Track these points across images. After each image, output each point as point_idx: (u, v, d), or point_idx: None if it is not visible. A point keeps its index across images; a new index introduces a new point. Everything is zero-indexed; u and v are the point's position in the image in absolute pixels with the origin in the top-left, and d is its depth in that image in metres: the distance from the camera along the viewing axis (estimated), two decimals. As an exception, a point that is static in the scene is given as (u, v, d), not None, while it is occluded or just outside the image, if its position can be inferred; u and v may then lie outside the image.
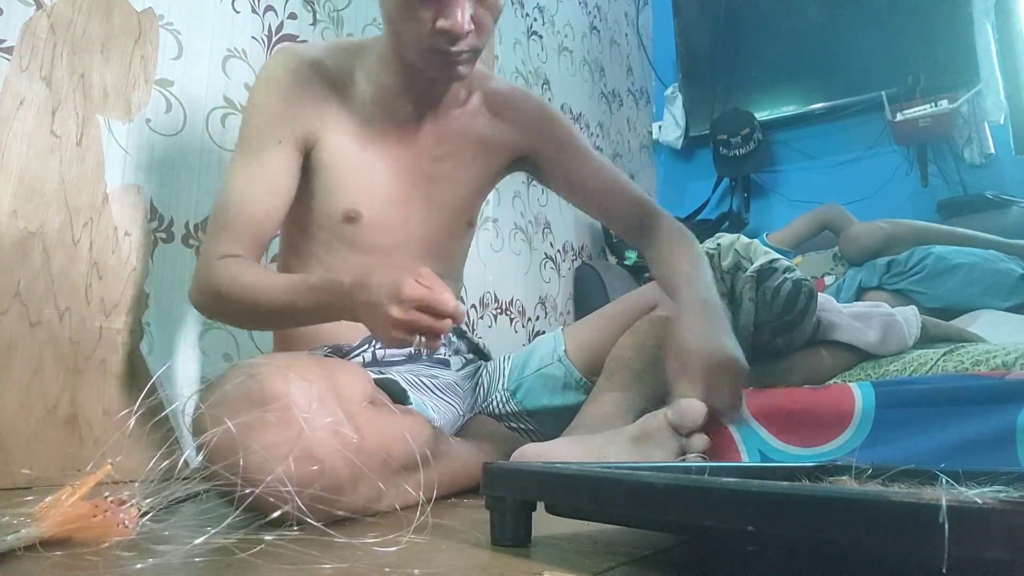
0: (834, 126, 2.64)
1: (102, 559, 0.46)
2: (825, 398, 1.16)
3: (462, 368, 1.13)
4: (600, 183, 1.14)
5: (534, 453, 0.93)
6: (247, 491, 0.57)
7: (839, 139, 2.62)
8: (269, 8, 1.36)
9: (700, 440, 0.92)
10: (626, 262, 2.35)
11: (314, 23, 1.44)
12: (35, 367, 0.96)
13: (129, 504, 0.52)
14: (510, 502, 0.53)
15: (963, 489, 0.38)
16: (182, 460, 0.58)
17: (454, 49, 0.88)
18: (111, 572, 0.43)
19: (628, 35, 2.95)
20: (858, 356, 1.28)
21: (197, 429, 0.62)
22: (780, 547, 0.42)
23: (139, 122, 1.12)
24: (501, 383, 1.15)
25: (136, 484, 0.56)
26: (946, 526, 0.28)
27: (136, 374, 1.07)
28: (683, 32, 2.94)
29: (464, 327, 1.27)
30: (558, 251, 2.25)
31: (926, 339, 1.33)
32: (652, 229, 1.14)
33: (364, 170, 1.00)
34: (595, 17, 2.67)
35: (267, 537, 0.53)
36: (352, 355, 0.98)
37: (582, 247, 2.38)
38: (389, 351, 1.01)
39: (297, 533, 0.57)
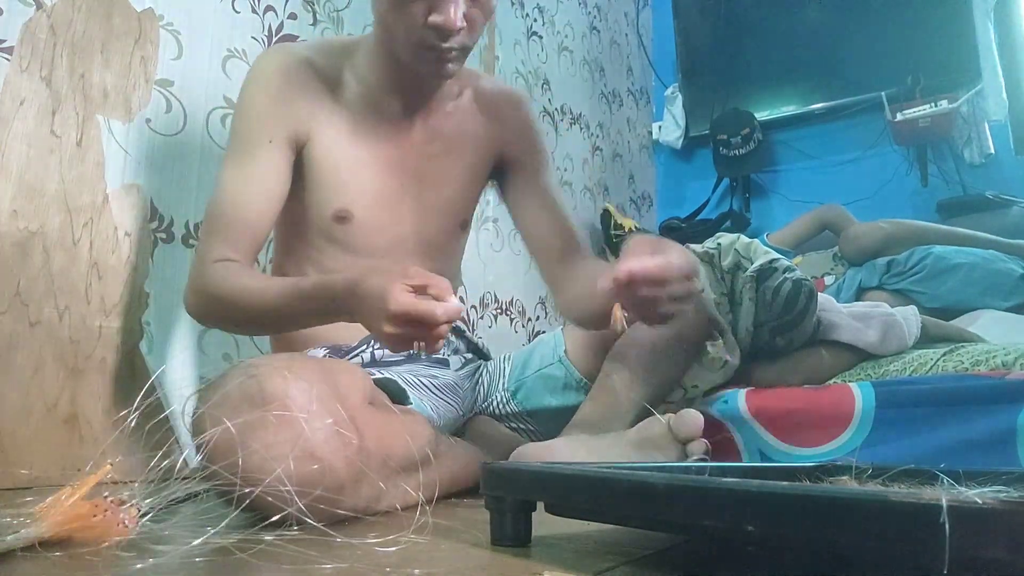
0: (834, 126, 2.63)
1: (102, 559, 0.46)
2: (825, 398, 1.16)
3: (461, 368, 1.13)
4: (547, 201, 1.12)
5: (533, 453, 0.93)
6: (247, 491, 0.57)
7: (839, 139, 2.62)
8: (269, 8, 1.36)
9: (699, 445, 0.92)
10: (626, 262, 2.34)
11: (314, 23, 1.44)
12: (35, 367, 0.96)
13: (129, 504, 0.52)
14: (510, 502, 0.53)
15: (963, 489, 0.38)
16: (181, 460, 0.58)
17: (445, 45, 0.88)
18: (111, 572, 0.43)
19: (628, 35, 2.95)
20: (858, 356, 1.28)
21: (196, 429, 0.62)
22: (780, 547, 0.42)
23: (139, 122, 1.12)
24: (501, 383, 1.14)
25: (136, 484, 0.56)
26: (947, 526, 0.28)
27: (136, 374, 1.07)
28: (683, 32, 2.93)
29: (463, 327, 1.27)
30: (558, 251, 2.25)
31: (926, 339, 1.33)
32: (574, 258, 1.08)
33: (355, 168, 1.00)
34: (595, 17, 2.67)
35: (267, 537, 0.53)
36: (351, 355, 0.98)
37: (582, 247, 2.38)
38: (388, 351, 1.01)
39: (297, 533, 0.57)
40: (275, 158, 0.95)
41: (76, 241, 1.02)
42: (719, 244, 1.21)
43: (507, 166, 1.13)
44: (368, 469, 0.66)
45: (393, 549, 0.52)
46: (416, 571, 0.45)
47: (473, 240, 1.24)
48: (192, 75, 1.20)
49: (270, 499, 0.58)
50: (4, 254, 0.94)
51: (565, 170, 2.34)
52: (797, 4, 2.72)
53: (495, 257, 1.94)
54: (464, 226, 1.13)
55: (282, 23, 1.38)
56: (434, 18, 0.86)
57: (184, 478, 0.59)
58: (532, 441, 1.07)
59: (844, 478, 0.61)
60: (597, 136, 2.58)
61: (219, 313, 0.92)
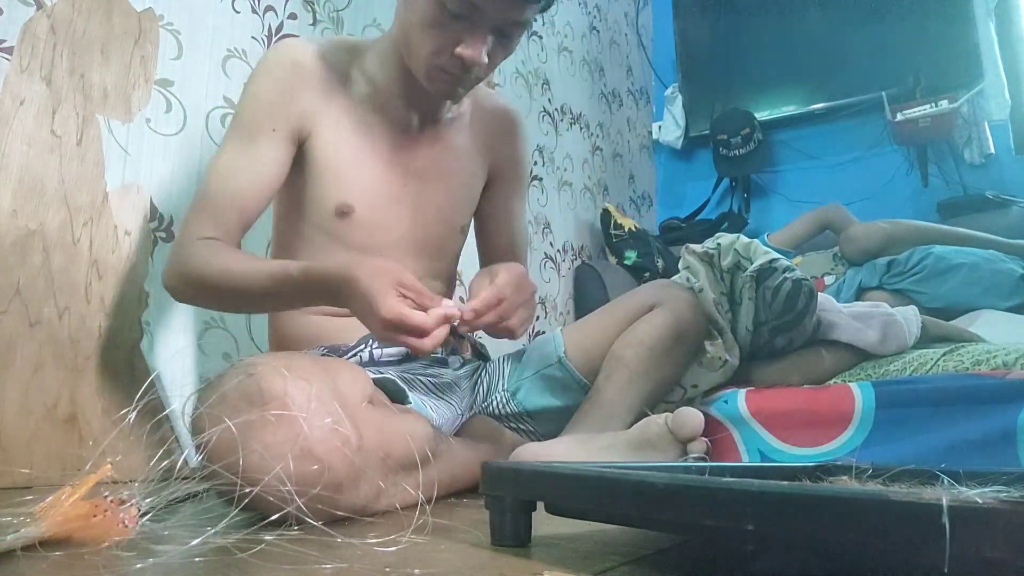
0: (834, 126, 2.64)
1: (102, 559, 0.46)
2: (825, 398, 1.16)
3: (460, 367, 1.13)
4: (510, 220, 1.21)
5: (533, 453, 0.94)
6: (246, 491, 0.57)
7: (839, 139, 2.62)
8: (269, 8, 1.36)
9: (700, 444, 0.92)
10: (626, 262, 2.34)
11: (314, 23, 1.44)
12: (35, 366, 0.95)
13: (129, 504, 0.52)
14: (510, 502, 0.53)
15: (964, 489, 0.38)
16: (181, 460, 0.58)
17: (463, 75, 0.92)
18: (111, 572, 0.43)
19: (628, 35, 2.95)
20: (858, 356, 1.28)
21: (196, 429, 0.62)
22: (780, 547, 0.42)
23: (139, 122, 1.12)
24: (501, 384, 1.15)
25: (136, 484, 0.56)
26: (947, 526, 0.28)
27: (136, 373, 1.07)
28: (683, 32, 2.93)
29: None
30: (558, 251, 2.25)
31: (926, 339, 1.33)
32: None
33: (357, 165, 1.00)
34: (595, 17, 2.67)
35: (267, 537, 0.52)
36: (349, 355, 0.98)
37: (582, 247, 2.38)
38: (387, 351, 1.02)
39: (297, 533, 0.57)
40: (275, 148, 0.96)
41: (76, 240, 1.02)
42: (719, 244, 1.21)
43: (489, 179, 1.19)
44: (367, 468, 0.66)
45: (393, 549, 0.52)
46: (416, 571, 0.45)
47: (472, 241, 1.24)
48: (192, 75, 1.20)
49: (270, 498, 0.58)
50: (4, 253, 0.94)
51: (565, 170, 2.34)
52: (797, 4, 2.72)
53: (495, 257, 1.93)
54: (463, 230, 1.15)
55: (282, 23, 1.38)
56: (462, 50, 0.88)
57: (184, 478, 0.59)
58: (532, 441, 1.07)
59: (844, 478, 0.61)
60: (597, 136, 2.58)
61: (199, 290, 0.91)
